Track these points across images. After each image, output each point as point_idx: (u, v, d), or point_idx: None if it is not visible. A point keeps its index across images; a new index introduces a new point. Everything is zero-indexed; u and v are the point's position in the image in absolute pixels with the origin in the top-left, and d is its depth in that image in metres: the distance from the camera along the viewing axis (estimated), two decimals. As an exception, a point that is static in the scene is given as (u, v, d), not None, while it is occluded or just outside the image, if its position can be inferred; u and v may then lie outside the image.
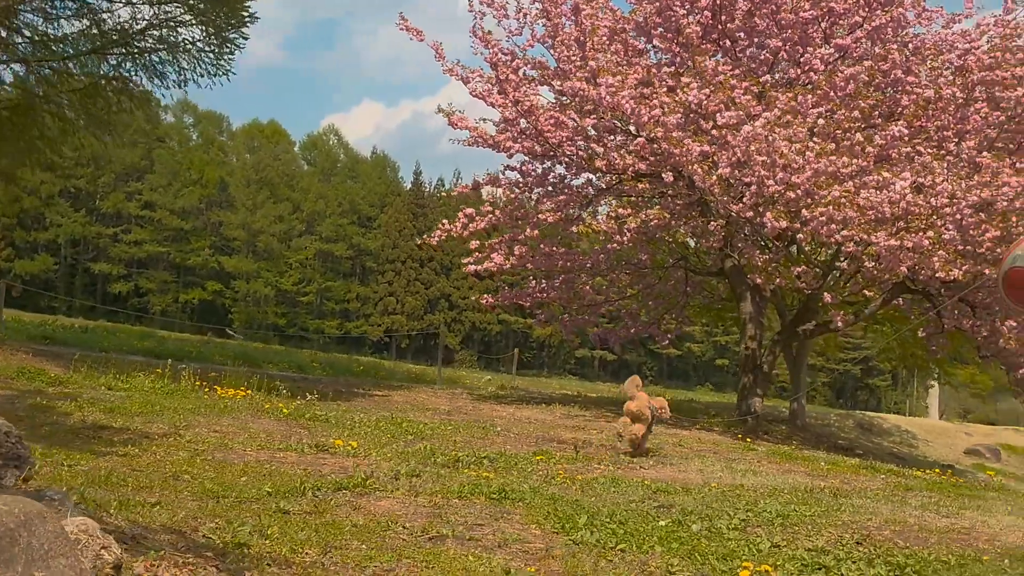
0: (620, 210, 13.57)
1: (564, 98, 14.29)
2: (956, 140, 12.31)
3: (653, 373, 74.06)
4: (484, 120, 14.72)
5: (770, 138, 10.85)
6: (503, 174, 15.39)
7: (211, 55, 15.16)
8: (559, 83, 13.38)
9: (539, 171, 14.87)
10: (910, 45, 13.64)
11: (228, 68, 16.07)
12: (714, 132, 11.81)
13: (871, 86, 12.75)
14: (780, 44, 12.97)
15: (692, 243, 16.86)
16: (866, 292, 13.30)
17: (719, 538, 5.43)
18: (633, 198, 14.79)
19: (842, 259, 13.44)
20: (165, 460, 6.36)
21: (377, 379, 21.54)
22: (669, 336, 18.24)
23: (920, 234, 10.62)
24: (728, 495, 6.97)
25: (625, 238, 13.86)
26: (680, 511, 6.03)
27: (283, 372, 20.72)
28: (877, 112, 12.61)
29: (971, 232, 11.35)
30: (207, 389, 11.08)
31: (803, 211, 11.07)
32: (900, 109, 12.80)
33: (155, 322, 56.27)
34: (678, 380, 71.74)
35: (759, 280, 13.09)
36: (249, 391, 11.28)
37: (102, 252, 65.89)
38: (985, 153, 11.60)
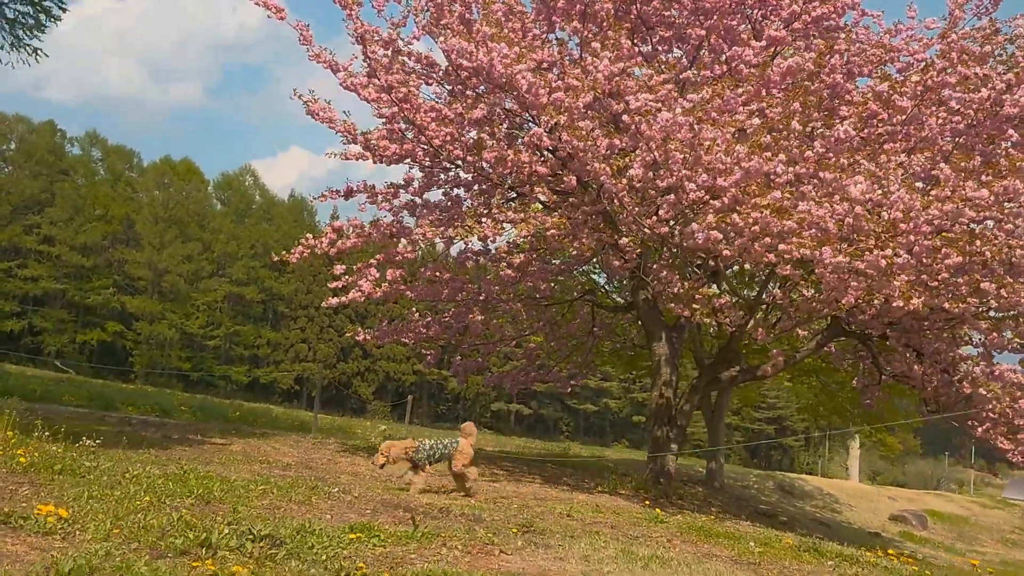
0: (511, 214, 11.06)
1: (449, 87, 11.98)
2: (906, 152, 10.36)
3: (569, 428, 71.82)
4: (365, 136, 12.21)
5: (696, 127, 8.62)
6: (385, 186, 12.97)
7: (12, 23, 12.17)
8: (441, 41, 10.76)
9: (419, 183, 12.46)
10: (849, 51, 11.78)
11: (35, 47, 13.17)
12: (626, 118, 9.55)
13: (808, 90, 10.75)
14: (703, 33, 10.90)
15: (600, 279, 14.64)
16: (799, 331, 11.15)
17: None
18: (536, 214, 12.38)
19: (773, 286, 11.31)
20: None
21: (252, 426, 18.88)
22: (572, 381, 15.86)
23: (877, 252, 8.46)
24: (613, 603, 4.57)
25: (517, 261, 11.51)
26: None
27: (142, 416, 17.89)
28: (816, 114, 10.59)
29: (925, 258, 9.34)
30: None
31: (734, 216, 8.81)
32: (840, 119, 10.82)
33: (48, 364, 52.36)
34: (594, 436, 69.92)
35: (682, 311, 10.68)
36: (10, 432, 8.53)
37: (-7, 287, 61.73)
38: (942, 164, 9.64)
